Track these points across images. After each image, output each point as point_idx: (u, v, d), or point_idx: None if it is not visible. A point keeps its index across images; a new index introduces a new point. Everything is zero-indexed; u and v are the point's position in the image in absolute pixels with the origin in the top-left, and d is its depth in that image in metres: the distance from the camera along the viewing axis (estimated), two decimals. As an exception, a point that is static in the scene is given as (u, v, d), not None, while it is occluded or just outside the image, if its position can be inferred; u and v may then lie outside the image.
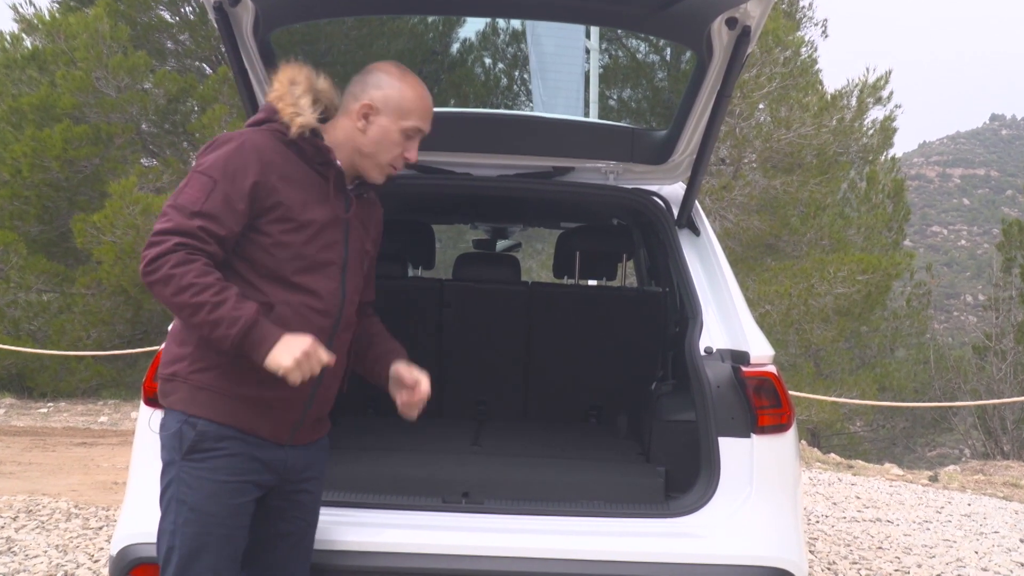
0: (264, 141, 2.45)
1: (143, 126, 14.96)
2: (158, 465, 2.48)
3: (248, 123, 2.55)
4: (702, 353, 3.06)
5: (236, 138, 2.45)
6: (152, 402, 2.85)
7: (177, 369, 2.46)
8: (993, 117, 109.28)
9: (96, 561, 5.24)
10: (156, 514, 2.47)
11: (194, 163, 2.46)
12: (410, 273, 5.61)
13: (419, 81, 2.62)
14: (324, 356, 2.34)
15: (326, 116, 2.59)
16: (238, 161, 2.40)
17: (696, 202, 3.53)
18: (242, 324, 2.27)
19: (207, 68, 15.82)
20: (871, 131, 17.81)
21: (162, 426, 2.50)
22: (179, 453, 2.42)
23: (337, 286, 2.53)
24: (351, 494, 2.98)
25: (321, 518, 2.75)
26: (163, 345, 2.58)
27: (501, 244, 7.36)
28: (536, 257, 24.23)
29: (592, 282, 5.39)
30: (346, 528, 2.80)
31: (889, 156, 20.75)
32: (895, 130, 18.05)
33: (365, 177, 2.61)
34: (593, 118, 12.92)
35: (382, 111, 2.55)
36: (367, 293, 2.82)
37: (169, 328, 2.57)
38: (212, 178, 2.38)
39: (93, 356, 13.40)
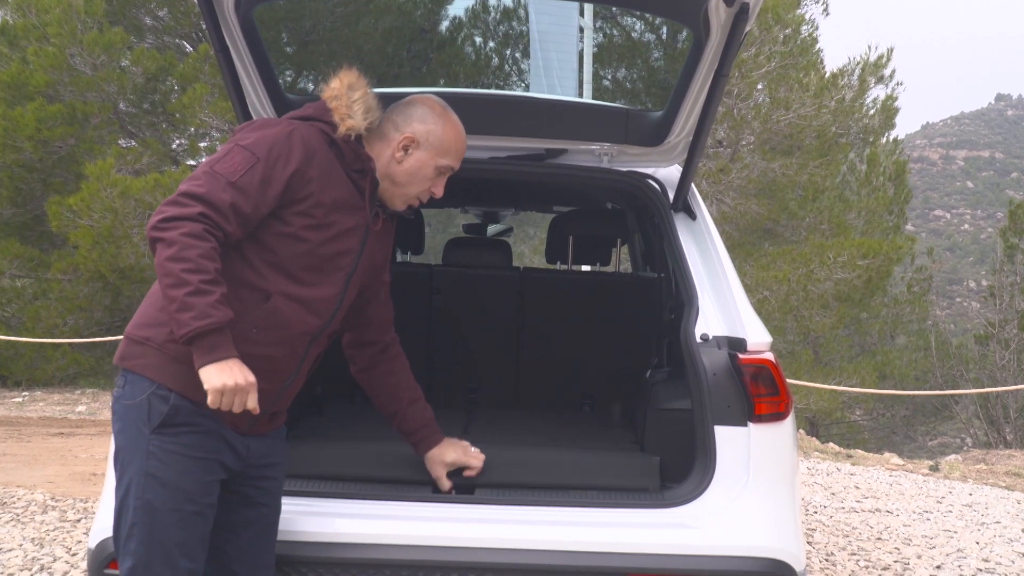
0: (311, 134, 2.53)
1: (120, 105, 14.88)
2: None
3: (295, 115, 2.62)
4: (698, 340, 3.08)
5: (285, 124, 2.52)
6: None
7: (151, 334, 2.44)
8: (999, 97, 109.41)
9: (74, 555, 5.24)
10: None
11: (234, 137, 2.52)
12: (399, 258, 5.61)
13: (458, 121, 2.76)
14: (252, 404, 2.35)
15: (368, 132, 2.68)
16: (285, 146, 2.46)
17: (692, 185, 3.54)
18: (209, 323, 2.27)
19: (187, 46, 15.73)
20: (872, 111, 17.83)
21: (122, 393, 2.46)
22: (147, 426, 2.40)
23: (338, 292, 2.59)
24: (338, 484, 2.99)
25: (307, 508, 2.77)
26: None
27: (492, 229, 7.36)
28: (528, 242, 24.26)
29: (586, 267, 5.40)
30: (332, 519, 2.81)
31: (891, 137, 20.81)
32: (897, 110, 18.08)
33: (387, 204, 2.71)
34: (587, 99, 12.91)
35: (422, 145, 2.68)
36: (384, 311, 2.95)
37: (151, 290, 2.55)
38: (255, 155, 2.43)
39: (70, 344, 13.36)
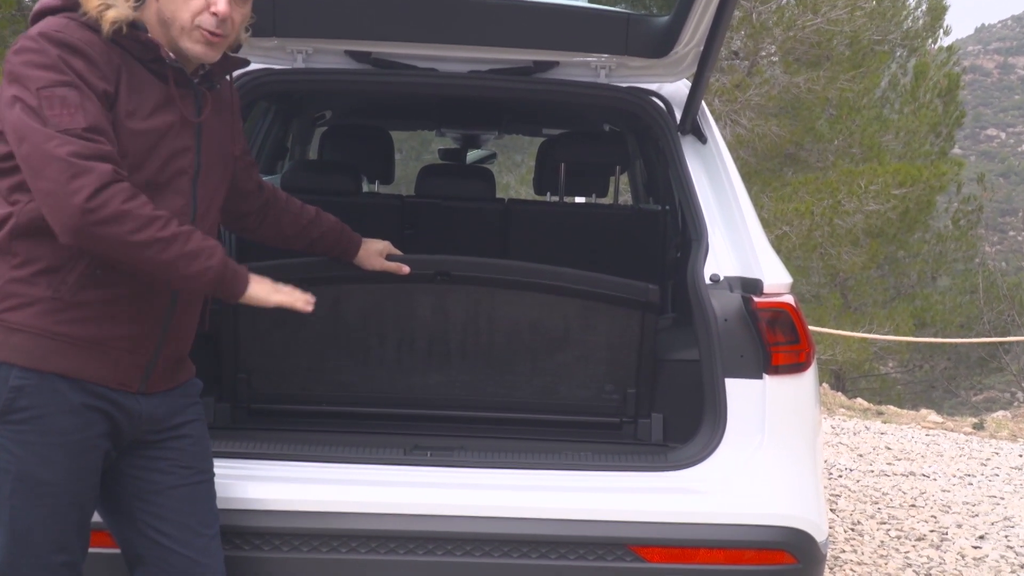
0: (87, 35, 2.37)
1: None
2: None
3: (36, 12, 2.43)
4: (707, 281, 3.11)
5: (51, 34, 2.32)
6: None
7: None
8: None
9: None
10: None
11: (10, 71, 2.34)
12: (365, 188, 5.61)
13: None
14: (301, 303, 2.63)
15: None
16: (79, 62, 2.32)
17: (703, 104, 3.55)
18: (221, 254, 2.37)
19: None
20: (917, 12, 17.68)
21: None
22: None
23: (187, 201, 2.53)
24: (296, 447, 3.04)
25: (258, 472, 2.83)
26: None
27: (472, 155, 7.35)
28: (514, 171, 24.19)
29: (579, 199, 5.42)
30: (289, 484, 2.86)
31: (939, 44, 20.59)
32: (946, 9, 17.91)
33: (189, 55, 2.52)
34: (582, 2, 12.80)
35: None
36: (254, 176, 2.96)
37: None
38: (70, 85, 2.29)
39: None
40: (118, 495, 2.61)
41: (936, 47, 20.04)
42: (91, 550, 2.58)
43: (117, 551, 2.66)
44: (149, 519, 2.60)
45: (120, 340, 2.46)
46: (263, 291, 2.56)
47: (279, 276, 3.22)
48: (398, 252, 3.29)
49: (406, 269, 3.25)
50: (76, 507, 2.47)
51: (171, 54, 2.49)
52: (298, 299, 2.62)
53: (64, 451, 2.41)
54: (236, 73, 3.08)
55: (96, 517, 2.59)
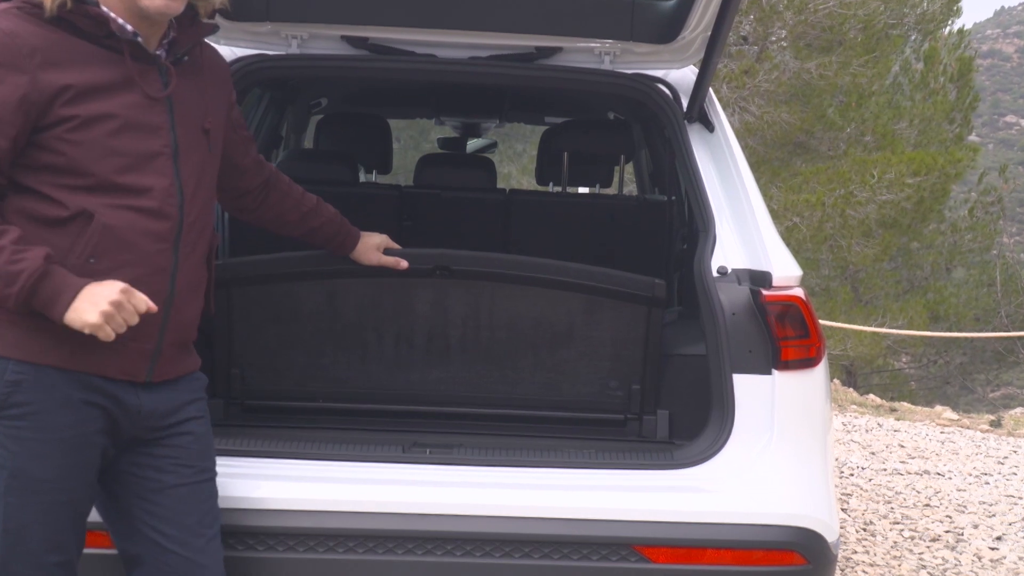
0: (14, 25, 2.34)
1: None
2: None
3: None
4: (714, 274, 3.12)
5: None
6: None
7: None
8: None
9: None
10: None
11: None
12: (362, 178, 5.62)
13: None
14: (141, 302, 2.35)
15: None
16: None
17: (711, 90, 3.56)
18: (24, 279, 2.26)
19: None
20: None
21: None
22: None
23: (171, 181, 2.50)
24: (296, 444, 3.05)
25: (257, 470, 2.84)
26: None
27: (473, 144, 7.36)
28: (516, 160, 24.21)
29: (583, 189, 5.43)
30: (289, 483, 2.87)
31: (955, 28, 20.57)
32: (965, -10, 17.87)
33: (151, 11, 2.44)
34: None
35: None
36: (250, 151, 2.92)
37: None
38: None
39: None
40: (117, 493, 2.61)
41: (948, 31, 19.99)
42: (88, 551, 2.60)
43: (113, 552, 2.67)
44: (148, 518, 2.61)
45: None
46: (83, 318, 2.32)
47: (274, 269, 3.24)
48: (396, 246, 3.29)
49: (404, 264, 3.24)
50: (71, 505, 2.48)
51: (127, 26, 2.44)
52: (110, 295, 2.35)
53: (60, 447, 2.42)
54: (230, 59, 3.07)
55: (93, 517, 2.60)
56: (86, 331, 2.31)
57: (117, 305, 2.31)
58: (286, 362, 3.40)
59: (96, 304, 2.29)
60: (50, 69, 2.35)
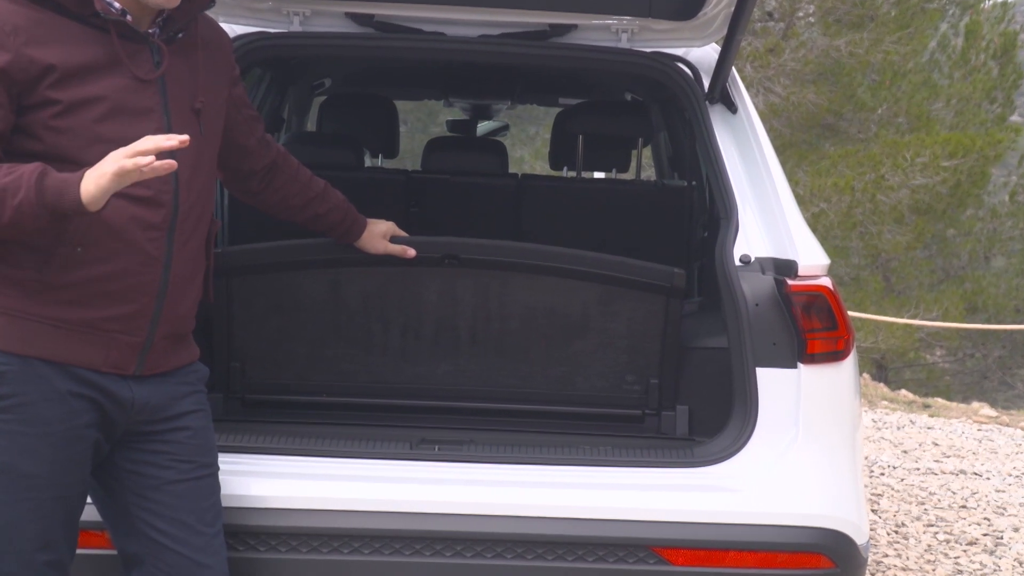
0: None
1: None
2: None
3: None
4: (737, 263, 3.13)
5: None
6: None
7: None
8: None
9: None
10: None
11: None
12: (368, 163, 5.63)
13: None
14: (161, 139, 2.27)
15: None
16: None
17: (733, 70, 3.55)
18: (27, 180, 2.25)
19: None
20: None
21: None
22: None
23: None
24: (299, 441, 3.07)
25: (260, 468, 2.86)
26: None
27: (483, 127, 7.36)
28: (528, 144, 24.19)
29: (599, 174, 5.43)
30: (292, 481, 2.89)
31: (998, 0, 20.41)
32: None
33: (148, 2, 2.47)
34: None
35: None
36: (256, 130, 2.92)
37: None
38: None
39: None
40: (114, 490, 2.64)
41: (989, 3, 19.86)
42: (82, 551, 2.62)
43: (110, 552, 2.69)
44: (146, 516, 2.63)
45: (111, 321, 2.48)
46: (96, 182, 2.29)
47: (276, 257, 3.25)
48: (403, 234, 3.30)
49: (412, 252, 3.25)
50: (62, 502, 2.50)
51: (114, 3, 2.44)
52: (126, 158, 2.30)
53: (49, 441, 2.44)
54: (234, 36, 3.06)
55: (88, 516, 2.62)
56: (113, 185, 2.25)
57: (133, 154, 2.25)
58: (288, 355, 3.41)
59: (103, 164, 2.26)
60: (34, 46, 2.36)
